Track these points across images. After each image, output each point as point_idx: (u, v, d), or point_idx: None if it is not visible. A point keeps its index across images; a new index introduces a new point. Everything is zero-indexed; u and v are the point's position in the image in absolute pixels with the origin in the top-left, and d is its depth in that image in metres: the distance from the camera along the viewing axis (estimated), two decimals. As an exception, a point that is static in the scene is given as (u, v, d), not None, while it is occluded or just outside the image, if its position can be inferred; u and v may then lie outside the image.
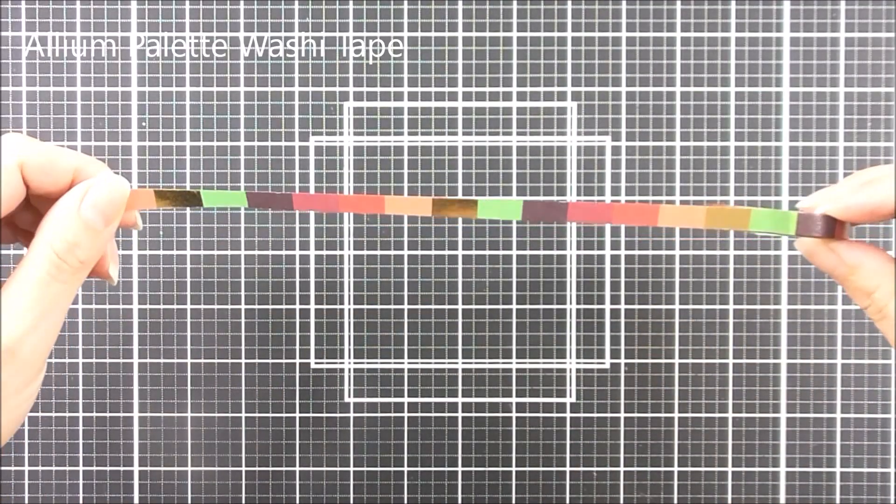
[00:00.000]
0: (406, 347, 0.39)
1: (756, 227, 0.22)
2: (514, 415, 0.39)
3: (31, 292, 0.22)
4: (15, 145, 0.23)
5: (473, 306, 0.39)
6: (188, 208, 0.25)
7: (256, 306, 0.39)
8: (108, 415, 0.39)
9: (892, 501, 0.38)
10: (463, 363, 0.39)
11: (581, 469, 0.39)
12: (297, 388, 0.39)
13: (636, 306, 0.39)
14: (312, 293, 0.39)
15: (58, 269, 0.23)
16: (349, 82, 0.38)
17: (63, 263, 0.23)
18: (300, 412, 0.39)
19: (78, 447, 0.39)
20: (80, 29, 0.38)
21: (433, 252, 0.39)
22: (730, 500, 0.39)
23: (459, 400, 0.39)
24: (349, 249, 0.39)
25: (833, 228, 0.22)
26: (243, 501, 0.39)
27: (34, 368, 0.23)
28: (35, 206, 0.25)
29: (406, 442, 0.39)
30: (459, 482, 0.39)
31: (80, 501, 0.39)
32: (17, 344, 0.22)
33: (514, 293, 0.39)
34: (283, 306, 0.39)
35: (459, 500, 0.39)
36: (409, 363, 0.39)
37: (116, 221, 0.24)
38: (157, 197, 0.25)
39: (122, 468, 0.39)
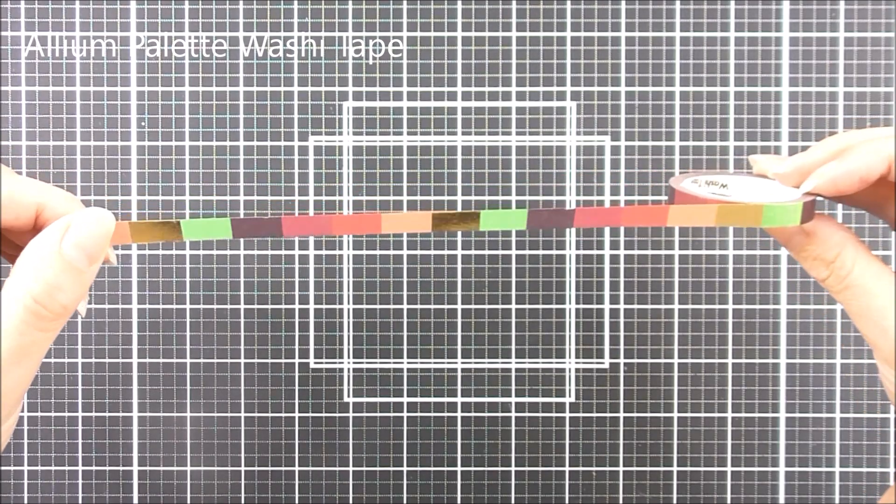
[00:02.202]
0: (405, 347, 0.39)
1: (768, 222, 0.22)
2: (513, 415, 0.39)
3: (5, 343, 0.20)
4: None
5: (473, 306, 0.39)
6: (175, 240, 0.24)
7: (256, 306, 0.39)
8: (107, 415, 0.39)
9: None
10: (462, 363, 0.39)
11: (580, 469, 0.39)
12: (297, 387, 0.39)
13: (635, 306, 0.39)
14: (312, 293, 0.39)
15: (36, 317, 0.20)
16: (349, 82, 0.38)
17: (42, 310, 0.20)
18: (299, 412, 0.39)
19: (77, 447, 0.39)
20: (80, 29, 0.38)
21: (433, 252, 0.39)
22: (729, 500, 0.39)
23: (459, 400, 0.39)
24: (348, 249, 0.39)
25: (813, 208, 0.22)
26: (243, 501, 0.39)
27: (5, 411, 0.21)
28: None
29: (405, 442, 0.39)
30: (459, 482, 0.39)
31: (80, 501, 0.39)
32: None
33: (514, 293, 0.39)
34: (283, 306, 0.39)
35: (459, 500, 0.39)
36: (408, 363, 0.39)
37: (101, 260, 0.21)
38: (132, 231, 0.23)
39: (121, 468, 0.39)
